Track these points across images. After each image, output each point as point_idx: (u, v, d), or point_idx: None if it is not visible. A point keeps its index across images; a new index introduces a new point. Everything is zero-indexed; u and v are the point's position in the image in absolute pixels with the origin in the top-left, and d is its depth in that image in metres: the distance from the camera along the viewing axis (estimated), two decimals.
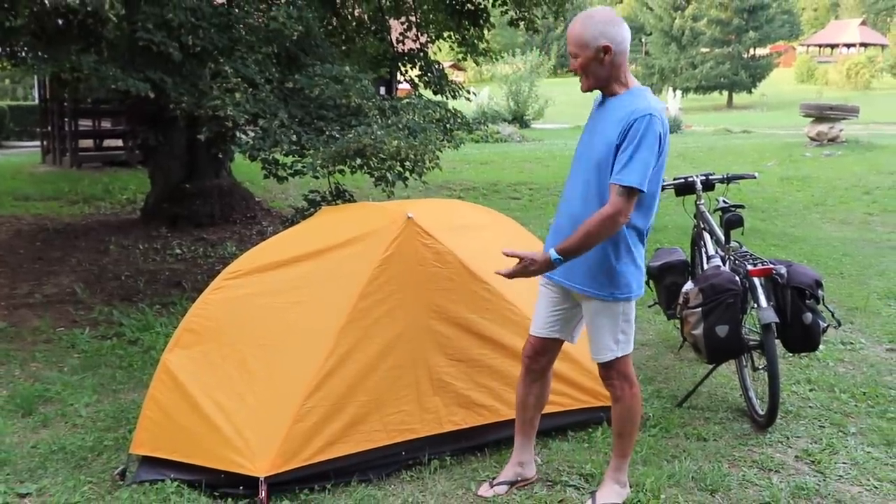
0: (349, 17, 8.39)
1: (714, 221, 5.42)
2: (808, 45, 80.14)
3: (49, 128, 18.47)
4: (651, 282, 5.70)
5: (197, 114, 6.06)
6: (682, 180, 5.70)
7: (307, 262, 3.99)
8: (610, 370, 3.55)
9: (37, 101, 26.24)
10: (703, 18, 49.93)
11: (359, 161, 5.94)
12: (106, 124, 18.75)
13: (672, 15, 50.76)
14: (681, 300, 4.65)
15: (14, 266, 8.34)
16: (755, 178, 6.12)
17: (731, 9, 49.44)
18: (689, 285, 4.66)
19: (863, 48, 74.53)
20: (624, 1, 66.65)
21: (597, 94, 3.51)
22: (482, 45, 9.44)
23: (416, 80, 9.19)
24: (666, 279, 5.54)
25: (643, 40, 58.26)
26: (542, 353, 3.68)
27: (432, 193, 11.64)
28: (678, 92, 37.78)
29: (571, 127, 32.31)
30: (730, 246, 5.12)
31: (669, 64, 49.10)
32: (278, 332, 3.82)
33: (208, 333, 3.86)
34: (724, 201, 5.32)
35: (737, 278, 4.49)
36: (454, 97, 9.06)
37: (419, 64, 9.07)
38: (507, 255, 3.35)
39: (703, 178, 5.68)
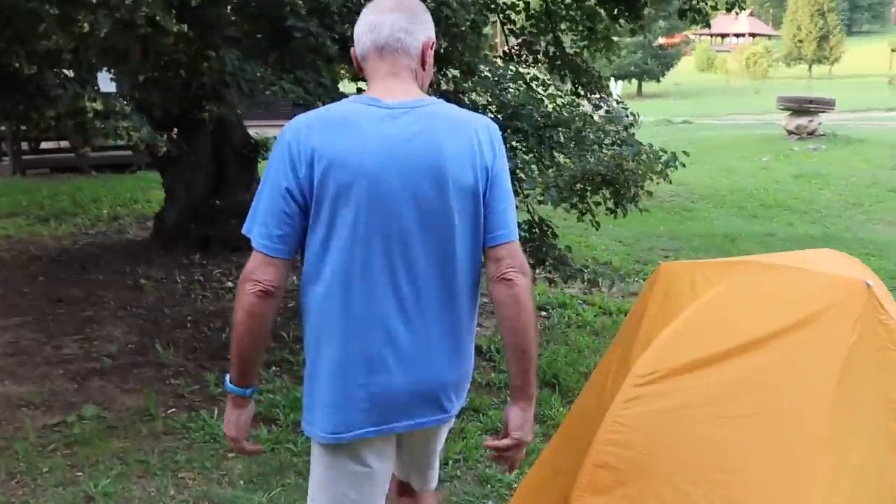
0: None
1: None
2: (701, 35, 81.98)
3: None
4: None
5: None
6: None
7: (744, 356, 2.78)
8: None
9: None
10: None
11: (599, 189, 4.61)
12: None
13: None
14: None
15: (32, 312, 6.68)
16: None
17: None
18: None
19: (751, 38, 77.00)
20: None
21: None
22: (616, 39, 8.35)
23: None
24: None
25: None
26: None
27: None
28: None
29: None
30: None
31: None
32: (732, 458, 2.61)
33: (631, 468, 2.62)
34: None
35: None
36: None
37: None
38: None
39: None
